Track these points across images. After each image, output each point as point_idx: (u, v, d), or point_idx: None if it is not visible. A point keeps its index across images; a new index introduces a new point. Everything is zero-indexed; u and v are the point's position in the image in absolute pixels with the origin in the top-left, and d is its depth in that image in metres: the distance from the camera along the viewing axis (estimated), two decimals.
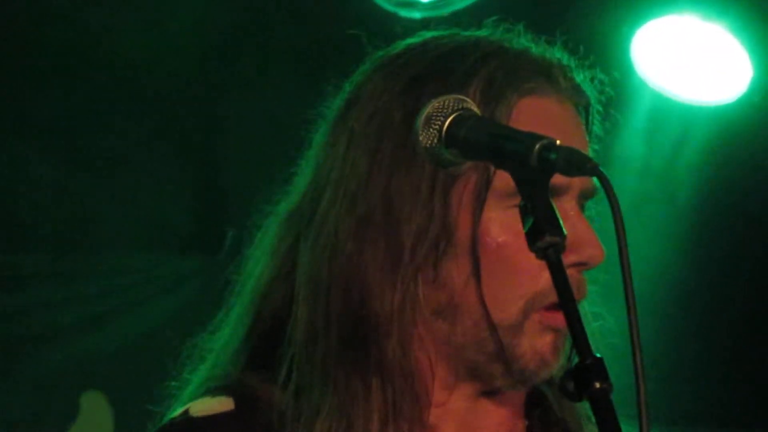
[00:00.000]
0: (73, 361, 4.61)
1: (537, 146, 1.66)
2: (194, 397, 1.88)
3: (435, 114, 1.74)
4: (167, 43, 4.53)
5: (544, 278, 1.75)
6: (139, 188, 4.74)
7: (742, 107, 4.46)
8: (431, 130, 1.73)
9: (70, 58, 4.54)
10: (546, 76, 1.88)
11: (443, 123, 1.73)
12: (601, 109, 1.94)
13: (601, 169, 1.68)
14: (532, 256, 1.65)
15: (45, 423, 4.62)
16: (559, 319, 1.78)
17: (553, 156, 1.66)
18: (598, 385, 1.61)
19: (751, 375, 4.80)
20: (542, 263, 1.65)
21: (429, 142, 1.73)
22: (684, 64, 4.42)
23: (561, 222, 1.67)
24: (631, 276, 1.64)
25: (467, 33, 1.92)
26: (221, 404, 1.85)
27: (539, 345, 1.82)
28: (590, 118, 1.92)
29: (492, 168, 1.78)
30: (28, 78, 4.56)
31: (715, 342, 4.81)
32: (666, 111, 4.51)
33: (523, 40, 1.91)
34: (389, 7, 4.13)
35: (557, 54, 1.91)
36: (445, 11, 3.98)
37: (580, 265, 1.82)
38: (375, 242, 1.83)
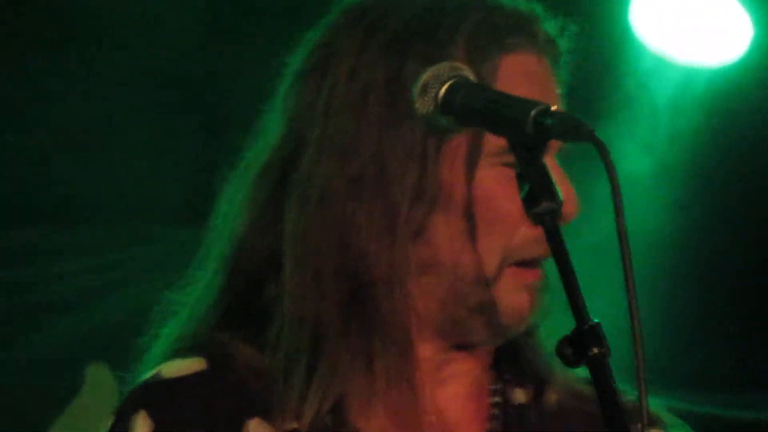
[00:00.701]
0: (78, 333, 4.65)
1: (533, 112, 1.69)
2: (166, 357, 1.88)
3: (431, 82, 1.76)
4: (162, 10, 4.54)
5: (522, 232, 1.81)
6: (137, 159, 4.74)
7: (744, 67, 4.48)
8: (427, 97, 1.76)
9: (59, 23, 4.49)
10: (524, 30, 1.90)
11: (439, 90, 1.76)
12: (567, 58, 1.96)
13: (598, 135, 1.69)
14: (513, 210, 1.77)
15: (49, 395, 4.65)
16: (532, 275, 1.85)
17: (548, 121, 1.69)
18: (595, 350, 1.64)
19: (750, 339, 4.85)
20: (522, 217, 1.75)
21: (425, 109, 1.76)
22: (683, 26, 4.45)
23: (557, 188, 1.72)
24: (627, 240, 1.65)
25: None
26: (193, 364, 1.85)
27: (517, 302, 1.86)
28: (558, 66, 1.95)
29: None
30: (16, 46, 4.57)
31: (715, 306, 4.86)
32: (665, 73, 4.56)
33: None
34: None
35: (530, 4, 1.94)
36: None
37: None
38: (369, 202, 1.84)
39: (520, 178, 1.74)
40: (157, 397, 1.85)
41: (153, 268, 4.91)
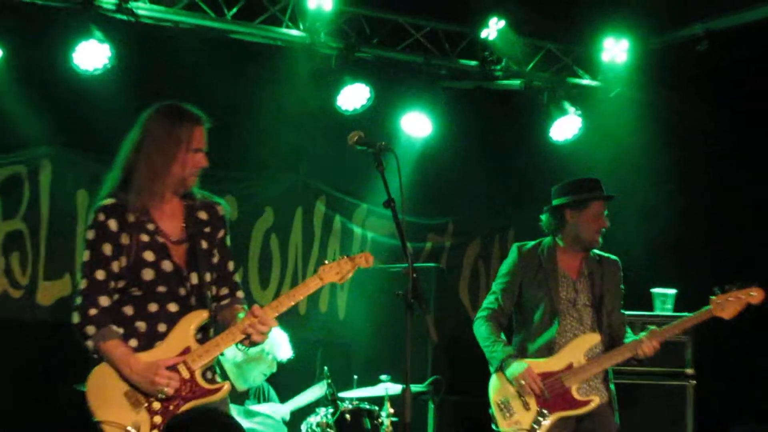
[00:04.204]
0: None
1: (379, 144, 5.30)
2: (104, 197, 5.44)
3: (354, 138, 5.30)
4: None
5: (190, 173, 5.58)
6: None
7: (434, 139, 8.83)
8: (353, 140, 5.32)
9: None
10: (199, 118, 5.46)
11: (357, 139, 5.34)
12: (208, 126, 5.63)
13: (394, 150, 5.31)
14: (184, 165, 5.57)
15: None
16: (195, 178, 5.62)
17: (382, 147, 5.27)
18: (393, 204, 5.27)
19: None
20: (189, 166, 5.62)
21: (353, 143, 5.30)
22: (414, 124, 8.72)
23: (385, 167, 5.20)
24: (401, 182, 5.20)
25: (185, 105, 5.51)
26: (110, 200, 5.47)
27: (191, 184, 5.57)
28: (207, 132, 5.54)
29: (190, 134, 5.58)
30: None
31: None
32: (407, 141, 8.77)
33: (193, 110, 5.52)
34: (342, 111, 8.22)
35: (201, 113, 5.50)
36: (360, 111, 8.18)
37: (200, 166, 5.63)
38: (159, 162, 5.40)
39: (376, 165, 5.23)
40: (104, 209, 5.42)
41: (252, 194, 9.01)
